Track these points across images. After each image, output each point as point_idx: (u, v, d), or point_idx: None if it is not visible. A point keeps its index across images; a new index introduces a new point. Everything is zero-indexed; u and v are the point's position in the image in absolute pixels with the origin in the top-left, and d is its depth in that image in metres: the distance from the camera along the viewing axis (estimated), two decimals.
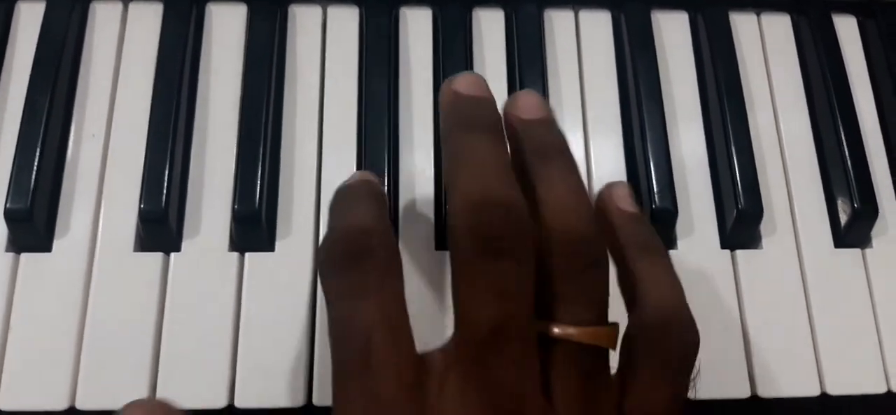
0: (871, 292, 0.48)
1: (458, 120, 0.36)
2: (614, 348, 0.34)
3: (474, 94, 0.37)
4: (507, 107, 0.38)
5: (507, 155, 0.36)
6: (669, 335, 0.34)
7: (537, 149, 0.36)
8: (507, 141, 0.37)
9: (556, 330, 0.32)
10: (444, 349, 0.33)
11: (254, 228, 0.46)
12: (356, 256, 0.32)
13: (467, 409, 0.30)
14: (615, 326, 0.34)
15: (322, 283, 0.34)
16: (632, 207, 0.38)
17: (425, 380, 0.31)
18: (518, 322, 0.31)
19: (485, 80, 0.38)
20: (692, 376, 0.35)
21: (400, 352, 0.31)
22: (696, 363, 0.35)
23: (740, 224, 0.48)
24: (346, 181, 0.38)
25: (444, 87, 0.38)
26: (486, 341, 0.30)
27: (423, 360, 0.32)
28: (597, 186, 0.49)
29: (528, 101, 0.38)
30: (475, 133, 0.35)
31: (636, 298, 0.36)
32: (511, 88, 0.52)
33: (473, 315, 0.31)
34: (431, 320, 0.45)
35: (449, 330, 0.40)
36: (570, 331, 0.32)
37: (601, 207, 0.39)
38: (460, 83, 0.37)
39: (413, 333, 0.32)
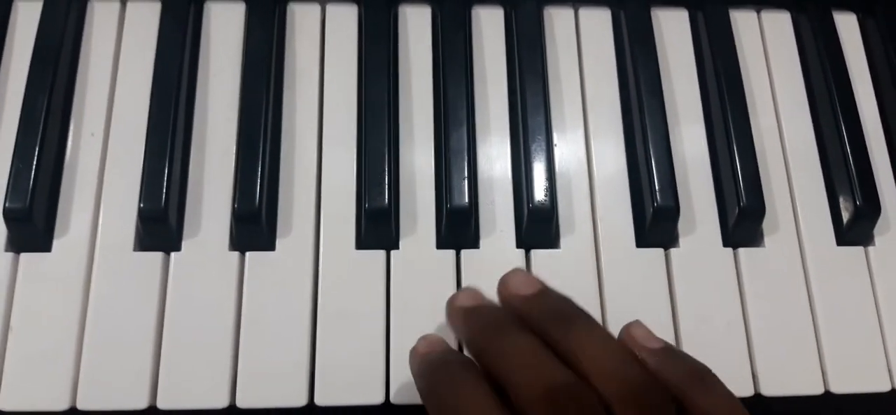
0: (874, 290, 0.48)
1: (486, 325, 0.38)
2: None
3: (481, 302, 0.40)
4: (501, 288, 0.40)
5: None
6: None
7: (557, 318, 0.37)
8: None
9: None
10: None
11: (254, 226, 0.46)
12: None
13: None
14: None
15: None
16: (657, 343, 0.38)
17: None
18: None
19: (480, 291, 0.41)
20: None
21: None
22: None
23: (742, 222, 0.48)
24: (427, 350, 0.40)
25: (448, 306, 0.41)
26: None
27: None
28: (598, 184, 0.49)
29: (521, 279, 0.40)
30: (509, 332, 0.37)
31: None
32: (511, 86, 0.52)
33: None
34: (432, 316, 0.45)
35: (447, 321, 0.41)
36: None
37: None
38: (462, 299, 0.40)
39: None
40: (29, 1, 0.52)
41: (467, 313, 0.39)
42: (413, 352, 0.39)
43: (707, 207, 0.49)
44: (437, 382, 0.37)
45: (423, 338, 0.39)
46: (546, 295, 0.39)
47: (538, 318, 0.37)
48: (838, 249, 0.49)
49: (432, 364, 0.38)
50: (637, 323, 0.39)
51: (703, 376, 0.36)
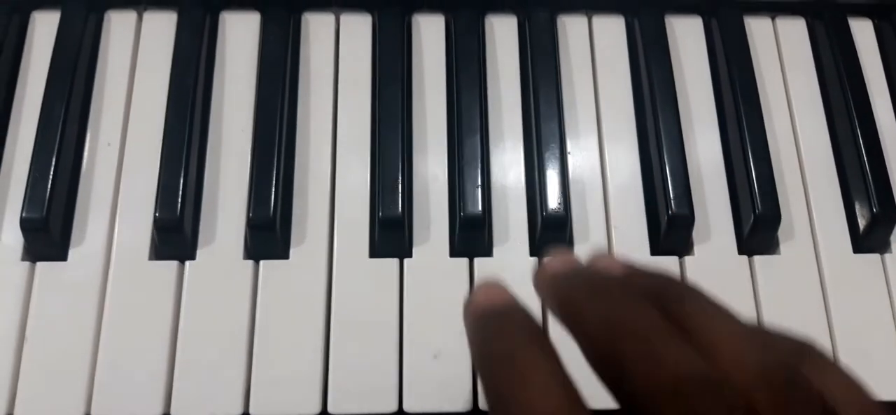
0: (892, 298, 0.48)
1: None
2: None
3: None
4: (594, 264, 0.32)
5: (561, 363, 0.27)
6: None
7: (666, 290, 0.29)
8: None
9: None
10: None
11: (268, 235, 0.46)
12: None
13: None
14: None
15: None
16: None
17: None
18: None
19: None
20: None
21: None
22: None
23: (758, 229, 0.48)
24: (482, 306, 0.30)
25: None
26: None
27: None
28: (612, 192, 0.49)
29: (605, 261, 0.32)
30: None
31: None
32: (524, 94, 0.52)
33: None
34: (446, 322, 0.45)
35: (461, 330, 0.39)
36: None
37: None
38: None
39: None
40: (47, 12, 0.53)
41: (559, 279, 0.30)
42: (468, 304, 0.31)
43: (722, 214, 0.49)
44: (492, 349, 0.28)
45: (484, 286, 0.31)
46: (644, 270, 0.31)
47: (645, 290, 0.29)
48: (855, 257, 0.49)
49: (490, 323, 0.29)
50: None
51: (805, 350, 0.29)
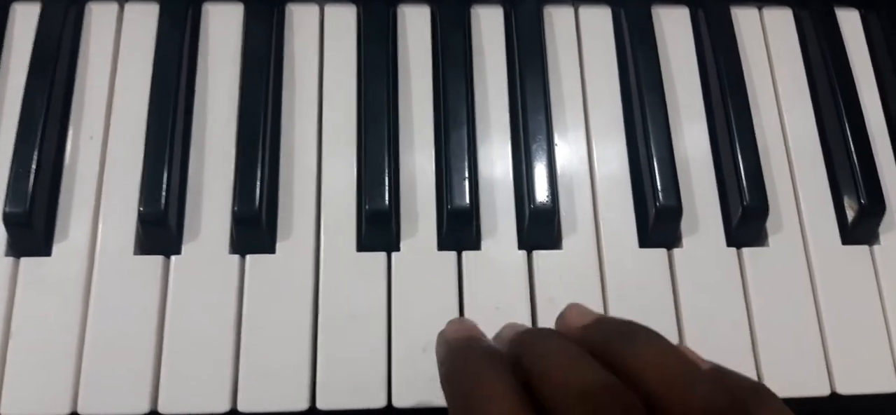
0: (880, 289, 0.48)
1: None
2: None
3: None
4: (560, 324, 0.36)
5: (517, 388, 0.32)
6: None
7: (619, 337, 0.33)
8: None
9: None
10: None
11: (254, 229, 0.46)
12: None
13: None
14: None
15: None
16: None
17: None
18: None
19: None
20: None
21: None
22: None
23: (746, 221, 0.47)
24: (454, 339, 0.36)
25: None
26: None
27: None
28: (599, 184, 0.48)
29: (575, 311, 0.36)
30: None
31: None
32: (511, 86, 0.52)
33: None
34: (435, 315, 0.45)
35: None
36: None
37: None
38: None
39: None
40: (27, 4, 0.52)
41: (519, 331, 0.35)
42: (441, 334, 0.36)
43: (710, 206, 0.49)
44: (458, 368, 0.33)
45: (454, 321, 0.36)
46: (605, 320, 0.35)
47: (598, 339, 0.34)
48: (843, 248, 0.49)
49: (457, 348, 0.34)
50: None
51: (760, 392, 0.33)
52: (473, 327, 0.36)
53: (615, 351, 0.32)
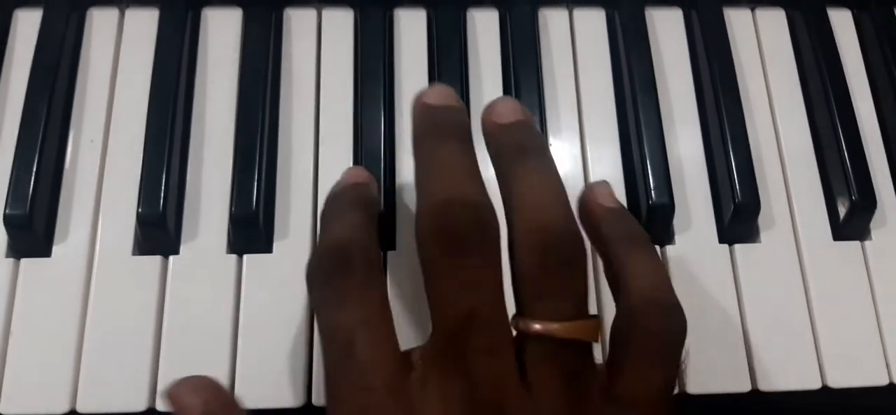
0: (871, 284, 0.48)
1: (426, 129, 0.38)
2: (596, 340, 0.34)
3: (443, 103, 0.38)
4: (484, 114, 0.39)
5: (473, 159, 0.36)
6: (656, 318, 0.35)
7: (513, 149, 0.37)
8: (474, 147, 0.37)
9: (536, 326, 0.33)
10: (423, 347, 0.35)
11: (251, 229, 0.46)
12: (336, 269, 0.34)
13: (448, 402, 0.32)
14: (596, 318, 0.34)
15: (310, 296, 0.37)
16: (613, 203, 0.40)
17: (408, 375, 0.33)
18: (487, 313, 0.32)
19: (453, 91, 0.39)
20: (681, 360, 0.35)
21: (382, 350, 0.33)
22: (685, 348, 0.35)
23: (738, 218, 0.48)
24: (336, 185, 0.41)
25: (413, 100, 0.39)
26: (458, 333, 0.32)
27: (405, 357, 0.34)
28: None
29: (505, 107, 0.39)
30: (442, 140, 0.36)
31: (621, 288, 0.36)
32: (506, 88, 0.52)
33: (444, 310, 0.33)
34: (427, 317, 0.45)
35: None
36: (551, 327, 0.33)
37: (584, 207, 0.40)
38: (429, 95, 0.39)
39: (399, 332, 0.34)
40: (29, 10, 0.53)
41: (424, 110, 0.38)
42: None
43: (702, 204, 0.50)
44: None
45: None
46: (521, 127, 0.38)
47: (502, 145, 0.37)
48: (834, 244, 0.49)
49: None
50: (602, 182, 0.41)
51: (639, 239, 0.38)
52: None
53: (502, 163, 0.37)
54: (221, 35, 0.53)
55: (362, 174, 0.41)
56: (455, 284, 0.32)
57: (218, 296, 0.46)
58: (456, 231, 0.33)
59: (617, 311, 0.36)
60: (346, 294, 0.33)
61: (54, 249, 0.46)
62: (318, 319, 0.35)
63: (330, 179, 0.48)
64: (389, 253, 0.47)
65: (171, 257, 0.46)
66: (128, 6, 0.53)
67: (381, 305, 0.34)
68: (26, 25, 0.52)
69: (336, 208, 0.39)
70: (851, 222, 0.49)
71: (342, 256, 0.34)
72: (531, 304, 0.33)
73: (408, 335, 0.45)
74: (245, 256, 0.47)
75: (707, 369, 0.45)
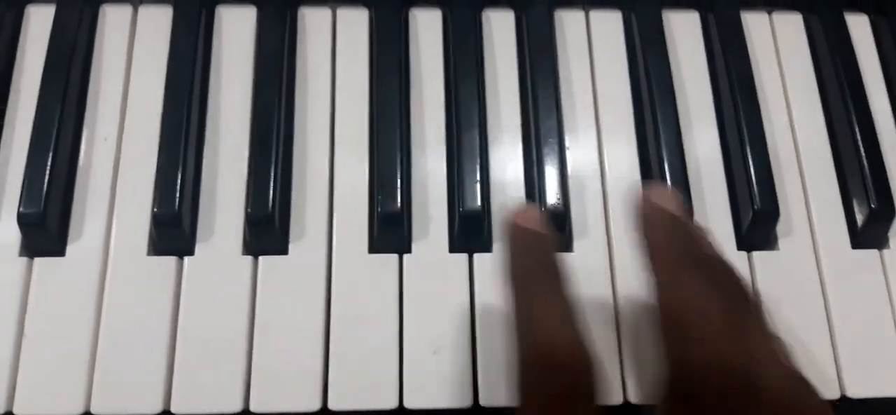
0: (890, 293, 0.48)
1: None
2: None
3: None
4: (647, 200, 0.39)
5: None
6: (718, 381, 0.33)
7: (678, 252, 0.36)
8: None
9: None
10: None
11: (267, 230, 0.46)
12: (555, 385, 0.33)
13: None
14: None
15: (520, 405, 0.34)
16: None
17: None
18: None
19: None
20: None
21: None
22: None
23: (756, 225, 0.48)
24: (514, 227, 0.39)
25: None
26: None
27: None
28: (610, 187, 0.49)
29: (669, 196, 0.38)
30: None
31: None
32: (522, 89, 0.52)
33: None
34: (446, 317, 0.45)
35: (460, 325, 0.43)
36: None
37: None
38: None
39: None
40: (42, 5, 0.52)
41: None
42: (510, 221, 0.39)
43: (720, 209, 0.49)
44: (519, 276, 0.37)
45: (524, 210, 0.39)
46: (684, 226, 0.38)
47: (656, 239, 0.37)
48: (853, 252, 0.49)
49: (522, 254, 0.38)
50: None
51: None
52: (540, 221, 0.39)
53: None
54: (236, 33, 0.52)
55: (538, 219, 0.39)
56: None
57: (233, 297, 0.45)
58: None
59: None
60: None
61: (68, 248, 0.46)
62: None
63: (345, 181, 0.48)
64: (405, 256, 0.47)
65: (187, 258, 0.46)
66: (141, 2, 0.53)
67: None
68: (39, 21, 0.52)
69: (535, 279, 0.37)
70: (870, 230, 0.49)
71: (562, 371, 0.33)
72: None
73: (422, 336, 0.45)
74: (260, 258, 0.46)
75: None
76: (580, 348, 0.34)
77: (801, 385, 0.33)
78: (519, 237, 0.38)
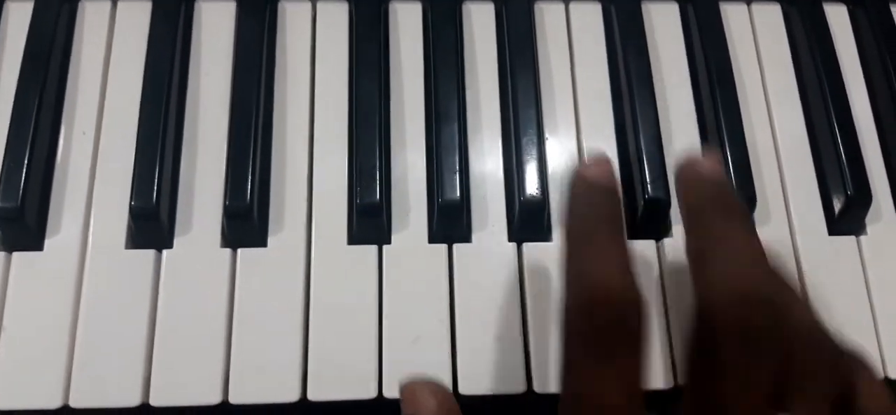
0: (867, 279, 0.48)
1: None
2: None
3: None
4: (684, 166, 0.38)
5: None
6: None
7: (719, 207, 0.36)
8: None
9: None
10: None
11: (245, 223, 0.46)
12: (608, 330, 0.31)
13: None
14: None
15: (564, 347, 0.33)
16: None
17: None
18: None
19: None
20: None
21: None
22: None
23: None
24: (583, 179, 0.36)
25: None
26: None
27: None
28: None
29: (711, 163, 0.37)
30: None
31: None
32: (502, 81, 0.52)
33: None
34: (426, 307, 0.45)
35: (440, 316, 0.41)
36: None
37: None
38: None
39: None
40: (20, 1, 0.52)
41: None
42: (579, 173, 0.36)
43: None
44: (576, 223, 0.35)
45: (592, 160, 0.37)
46: (726, 185, 0.37)
47: (699, 200, 0.36)
48: (830, 239, 0.49)
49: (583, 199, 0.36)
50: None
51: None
52: (612, 174, 0.36)
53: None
54: (215, 27, 0.52)
55: (611, 172, 0.37)
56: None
57: (212, 290, 0.45)
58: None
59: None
60: (616, 363, 0.31)
61: (46, 242, 0.46)
62: (567, 370, 0.33)
63: (325, 173, 0.48)
64: (385, 247, 0.47)
65: (165, 251, 0.46)
66: None
67: (641, 379, 0.32)
68: (17, 17, 0.52)
69: (595, 228, 0.35)
70: (847, 217, 0.49)
71: (618, 314, 0.31)
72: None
73: (402, 327, 0.45)
74: (239, 251, 0.46)
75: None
76: (633, 291, 0.32)
77: (824, 330, 0.34)
78: (583, 191, 0.36)
